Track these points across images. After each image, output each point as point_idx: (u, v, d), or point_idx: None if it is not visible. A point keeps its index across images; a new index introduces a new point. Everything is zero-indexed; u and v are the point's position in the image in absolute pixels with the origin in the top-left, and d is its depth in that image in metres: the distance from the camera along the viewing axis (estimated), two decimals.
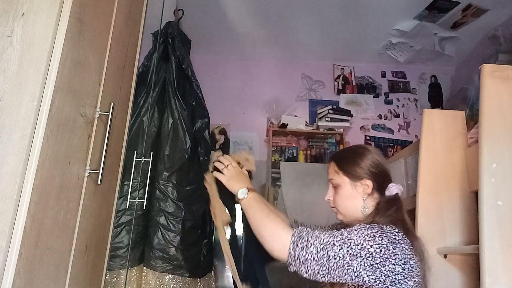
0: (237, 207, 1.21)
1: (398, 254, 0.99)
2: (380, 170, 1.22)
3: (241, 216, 1.19)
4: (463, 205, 1.59)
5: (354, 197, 1.19)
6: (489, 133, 1.29)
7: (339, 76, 3.77)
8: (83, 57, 1.00)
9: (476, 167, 1.30)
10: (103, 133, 1.18)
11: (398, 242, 1.01)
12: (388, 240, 0.99)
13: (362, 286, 0.99)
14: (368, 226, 1.04)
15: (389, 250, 0.98)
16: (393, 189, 1.19)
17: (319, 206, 3.09)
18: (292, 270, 1.03)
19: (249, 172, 1.26)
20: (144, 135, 2.34)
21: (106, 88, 1.20)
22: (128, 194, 2.16)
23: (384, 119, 3.67)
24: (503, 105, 1.31)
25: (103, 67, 1.17)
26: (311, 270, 0.99)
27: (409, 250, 1.02)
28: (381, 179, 1.21)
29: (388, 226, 1.05)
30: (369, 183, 1.19)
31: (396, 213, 1.13)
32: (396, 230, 1.04)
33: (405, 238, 1.03)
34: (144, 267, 2.27)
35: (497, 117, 1.30)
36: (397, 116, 3.69)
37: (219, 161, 1.23)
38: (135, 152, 2.12)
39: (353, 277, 0.97)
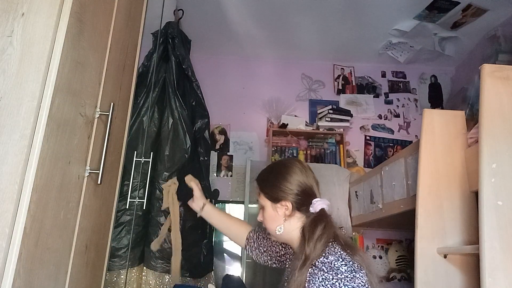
0: None
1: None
2: (302, 188, 1.17)
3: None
4: (463, 205, 1.59)
5: (277, 219, 1.18)
6: (489, 133, 1.29)
7: (339, 76, 3.77)
8: (83, 57, 1.00)
9: (476, 167, 1.30)
10: (103, 133, 1.18)
11: (353, 277, 0.96)
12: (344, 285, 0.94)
13: None
14: (317, 278, 0.96)
15: None
16: (317, 205, 1.14)
17: None
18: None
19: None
20: (144, 135, 2.34)
21: (106, 88, 1.20)
22: (128, 194, 2.16)
23: (384, 119, 3.67)
24: (503, 105, 1.31)
25: (103, 67, 1.17)
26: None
27: (360, 273, 0.97)
28: (302, 198, 1.17)
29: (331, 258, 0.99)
30: (288, 204, 1.16)
31: (325, 231, 1.07)
32: (343, 263, 0.97)
33: (352, 263, 0.98)
34: (144, 267, 2.27)
35: (497, 117, 1.30)
36: (397, 116, 3.69)
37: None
38: (135, 152, 2.12)
39: None
